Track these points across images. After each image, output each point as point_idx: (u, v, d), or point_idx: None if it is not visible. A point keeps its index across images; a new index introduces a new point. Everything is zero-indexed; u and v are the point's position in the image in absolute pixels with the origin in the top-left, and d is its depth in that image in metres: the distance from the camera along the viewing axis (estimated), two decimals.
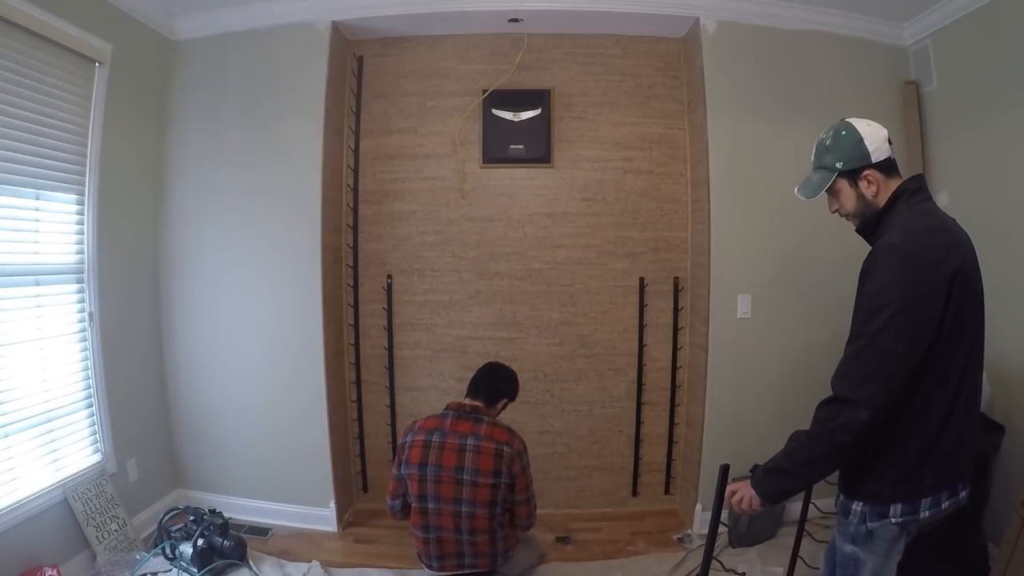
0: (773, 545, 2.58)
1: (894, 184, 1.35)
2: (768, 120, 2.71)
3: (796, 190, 1.45)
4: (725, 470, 1.52)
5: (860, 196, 1.36)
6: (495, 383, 2.19)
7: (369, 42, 2.95)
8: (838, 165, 1.36)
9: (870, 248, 1.32)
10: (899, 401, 1.20)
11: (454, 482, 1.95)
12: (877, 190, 1.34)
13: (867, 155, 1.33)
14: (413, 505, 2.04)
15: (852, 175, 1.35)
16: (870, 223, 1.38)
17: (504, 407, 2.20)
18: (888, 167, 1.35)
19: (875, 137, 1.34)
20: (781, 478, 1.32)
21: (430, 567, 2.08)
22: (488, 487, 1.95)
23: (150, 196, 2.83)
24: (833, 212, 1.46)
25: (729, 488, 1.44)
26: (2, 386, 2.12)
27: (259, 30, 2.76)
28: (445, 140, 2.94)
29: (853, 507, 1.31)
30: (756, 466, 1.39)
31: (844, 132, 1.36)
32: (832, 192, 1.40)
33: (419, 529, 2.04)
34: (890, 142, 1.36)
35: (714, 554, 2.07)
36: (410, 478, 2.01)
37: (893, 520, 1.25)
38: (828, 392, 1.27)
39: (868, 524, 1.28)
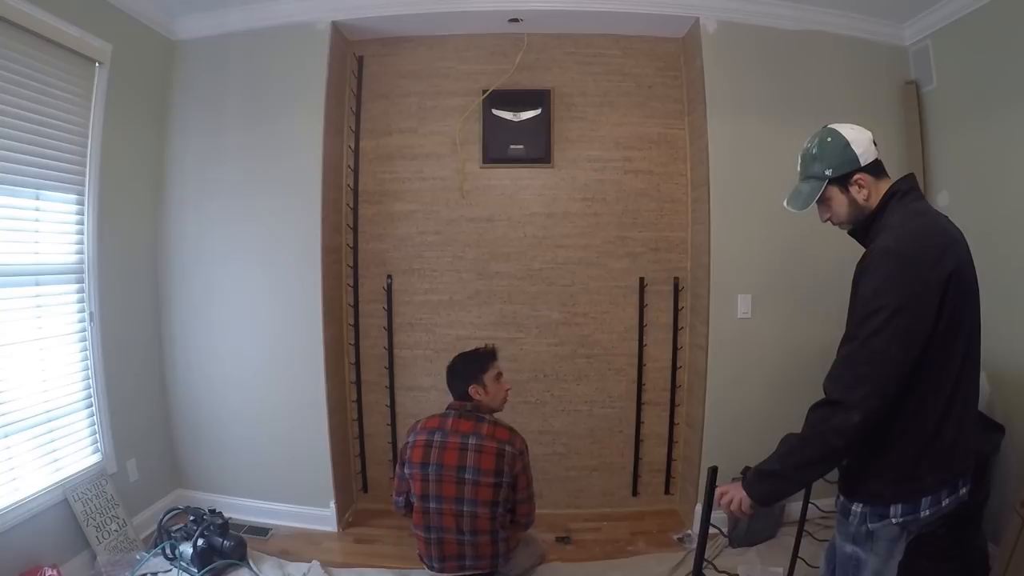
0: (773, 545, 2.57)
1: (884, 185, 1.34)
2: (768, 120, 2.71)
3: (785, 203, 1.44)
4: (713, 472, 1.50)
5: (852, 202, 1.35)
6: (464, 372, 2.11)
7: (369, 42, 2.95)
8: (827, 172, 1.34)
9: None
10: (895, 402, 1.20)
11: (456, 481, 1.96)
12: (868, 194, 1.33)
13: (855, 159, 1.32)
14: (415, 505, 2.04)
15: (842, 181, 1.34)
16: (863, 225, 1.37)
17: (497, 377, 2.13)
18: (876, 169, 1.34)
19: (861, 140, 1.33)
20: (773, 481, 1.31)
21: (431, 568, 2.08)
22: (490, 486, 1.96)
23: (150, 196, 2.83)
24: (825, 221, 1.44)
25: (719, 490, 1.42)
26: (2, 386, 2.12)
27: (259, 30, 2.76)
28: (445, 140, 2.94)
29: (853, 508, 1.31)
30: (747, 468, 1.38)
31: (829, 139, 1.36)
32: (823, 201, 1.39)
33: (421, 529, 2.04)
34: (875, 143, 1.35)
35: (711, 557, 2.07)
36: (412, 478, 2.01)
37: (894, 520, 1.25)
38: None
39: (869, 525, 1.28)
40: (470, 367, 2.13)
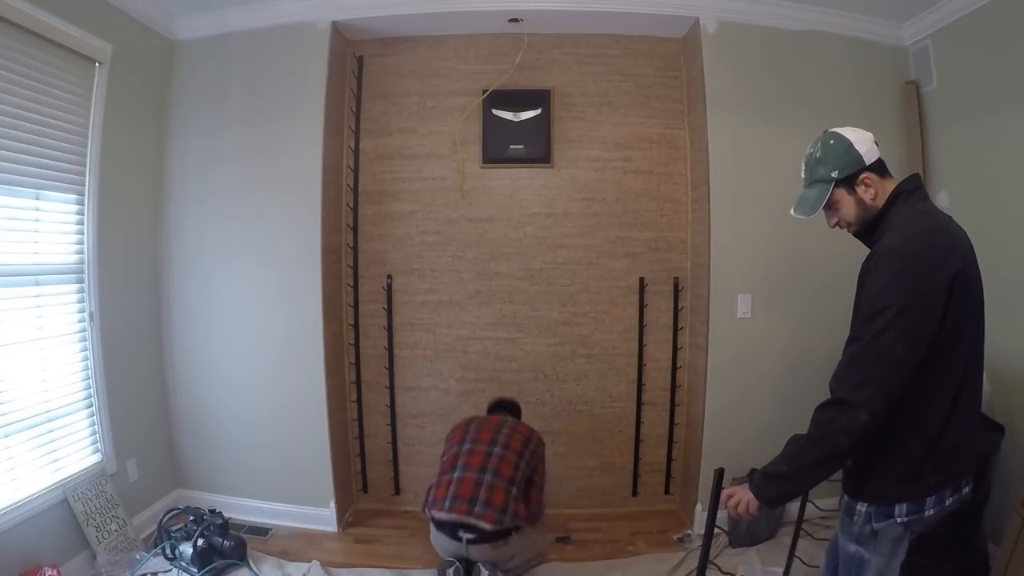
0: (773, 545, 2.57)
1: (889, 185, 1.34)
2: (768, 120, 2.71)
3: (792, 211, 1.42)
4: (720, 474, 1.50)
5: (860, 202, 1.34)
6: (511, 407, 2.74)
7: (369, 42, 2.95)
8: (833, 175, 1.34)
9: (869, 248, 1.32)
10: (900, 402, 1.20)
11: (485, 454, 2.30)
12: (875, 193, 1.33)
13: (860, 159, 1.32)
14: (440, 477, 2.31)
15: (849, 182, 1.34)
16: (868, 226, 1.37)
17: None
18: (881, 168, 1.34)
19: (863, 140, 1.33)
20: (780, 482, 1.31)
21: (439, 510, 2.20)
22: (512, 464, 2.28)
23: (150, 196, 2.83)
24: (833, 226, 1.43)
25: (726, 492, 1.42)
26: (2, 386, 2.12)
27: (259, 30, 2.76)
28: (445, 140, 2.94)
29: (858, 508, 1.31)
30: (754, 470, 1.38)
31: (832, 141, 1.36)
32: (830, 206, 1.38)
33: (444, 475, 2.29)
34: (877, 143, 1.35)
35: (711, 557, 2.07)
36: (446, 455, 2.38)
37: (898, 520, 1.25)
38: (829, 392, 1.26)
39: (873, 524, 1.28)
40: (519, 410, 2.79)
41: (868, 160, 1.32)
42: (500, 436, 2.35)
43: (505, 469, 2.25)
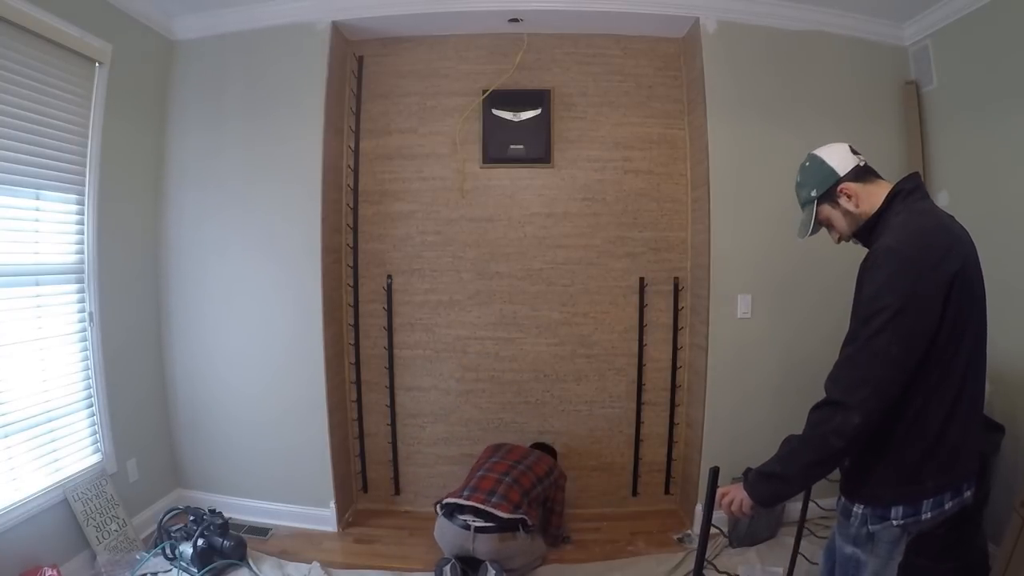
0: (773, 545, 2.58)
1: (878, 188, 1.34)
2: (768, 120, 2.71)
3: (796, 235, 1.48)
4: (715, 473, 1.50)
5: (846, 212, 1.37)
6: (548, 448, 2.91)
7: (369, 42, 2.95)
8: (813, 194, 1.39)
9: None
10: (897, 404, 1.19)
11: (509, 466, 2.48)
12: (858, 200, 1.34)
13: (832, 172, 1.36)
14: (467, 477, 2.53)
15: (829, 197, 1.37)
16: (865, 227, 1.36)
17: None
18: (860, 174, 1.36)
19: (834, 152, 1.38)
20: (774, 482, 1.30)
21: (457, 496, 2.35)
22: (531, 480, 2.46)
23: (150, 196, 2.83)
24: (838, 241, 1.46)
25: (720, 491, 1.42)
26: (2, 386, 2.12)
27: (259, 30, 2.76)
28: (445, 140, 2.94)
29: (854, 509, 1.30)
30: (748, 469, 1.38)
31: (808, 163, 1.42)
32: (823, 222, 1.43)
33: (467, 479, 2.48)
34: (855, 151, 1.38)
35: (711, 557, 2.06)
36: (474, 465, 2.59)
37: (895, 522, 1.24)
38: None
39: (869, 526, 1.27)
40: None
41: (841, 171, 1.35)
42: (526, 460, 2.56)
43: (524, 481, 2.43)
